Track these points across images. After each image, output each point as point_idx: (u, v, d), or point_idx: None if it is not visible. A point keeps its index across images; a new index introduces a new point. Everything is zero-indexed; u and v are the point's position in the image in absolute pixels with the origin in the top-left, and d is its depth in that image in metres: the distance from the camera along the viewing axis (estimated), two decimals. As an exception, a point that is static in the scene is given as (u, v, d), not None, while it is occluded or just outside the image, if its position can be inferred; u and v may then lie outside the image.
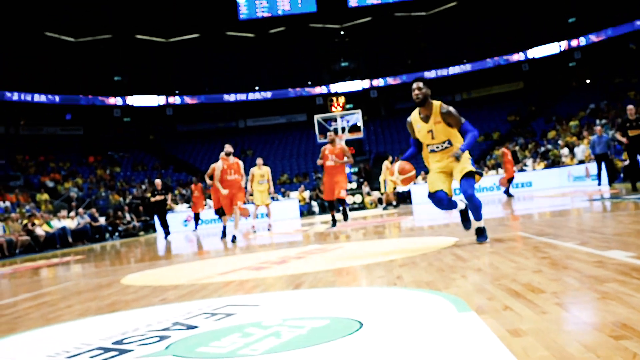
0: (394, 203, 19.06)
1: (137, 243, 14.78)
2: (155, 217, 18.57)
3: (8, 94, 30.27)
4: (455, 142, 5.68)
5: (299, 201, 23.50)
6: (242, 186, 11.05)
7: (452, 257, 4.40)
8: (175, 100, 36.22)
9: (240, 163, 11.13)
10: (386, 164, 17.95)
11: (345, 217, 10.87)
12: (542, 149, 25.29)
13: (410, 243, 6.13)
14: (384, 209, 19.01)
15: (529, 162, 23.65)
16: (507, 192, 17.08)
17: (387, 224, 10.58)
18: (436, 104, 5.66)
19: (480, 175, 5.65)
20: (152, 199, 15.70)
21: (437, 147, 5.73)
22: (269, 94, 36.14)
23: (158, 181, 16.12)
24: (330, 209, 11.23)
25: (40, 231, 16.62)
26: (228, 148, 10.92)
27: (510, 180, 16.98)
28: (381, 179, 19.28)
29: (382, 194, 20.31)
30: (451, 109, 5.65)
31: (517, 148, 24.57)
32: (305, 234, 10.77)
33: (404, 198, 22.26)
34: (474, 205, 5.53)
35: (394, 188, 18.25)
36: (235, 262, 5.97)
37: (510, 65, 35.49)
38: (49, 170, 28.46)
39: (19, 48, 31.89)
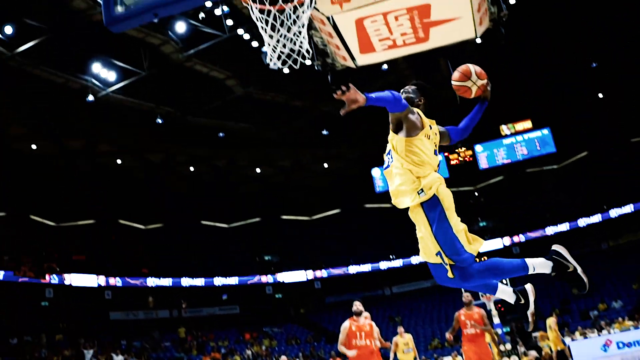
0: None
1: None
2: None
3: (174, 280, 32.78)
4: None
5: (453, 365, 23.46)
6: (375, 354, 8.82)
7: None
8: (322, 273, 37.71)
9: (375, 327, 9.01)
10: (549, 321, 16.67)
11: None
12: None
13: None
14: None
15: None
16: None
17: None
18: None
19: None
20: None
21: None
22: (412, 260, 36.90)
23: (284, 357, 16.52)
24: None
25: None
26: (357, 306, 8.99)
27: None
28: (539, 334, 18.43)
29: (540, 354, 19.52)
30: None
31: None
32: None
33: (564, 357, 21.50)
34: (490, 272, 4.18)
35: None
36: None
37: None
38: (209, 349, 30.11)
39: (181, 237, 34.98)
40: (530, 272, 4.19)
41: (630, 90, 32.62)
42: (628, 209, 34.51)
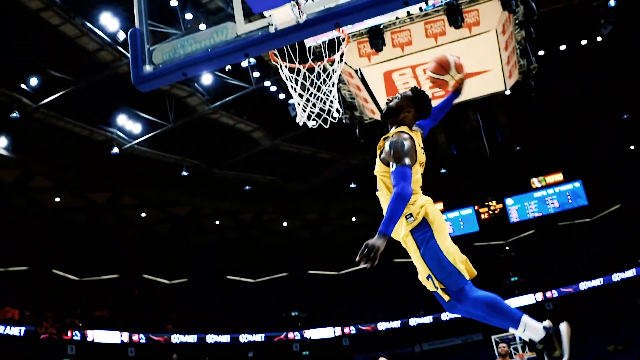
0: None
1: None
2: None
3: (199, 336, 32.26)
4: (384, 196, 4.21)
5: None
6: None
7: None
8: (350, 330, 36.97)
9: None
10: None
11: None
12: None
13: None
14: None
15: None
16: None
17: None
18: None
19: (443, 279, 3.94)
20: None
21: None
22: (442, 316, 36.07)
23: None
24: None
25: None
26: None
27: None
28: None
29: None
30: (394, 138, 4.04)
31: None
32: None
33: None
34: (486, 309, 3.93)
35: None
36: None
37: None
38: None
39: (206, 292, 34.56)
40: (519, 330, 3.89)
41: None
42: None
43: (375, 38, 12.75)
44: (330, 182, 33.88)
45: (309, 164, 31.91)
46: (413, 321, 37.03)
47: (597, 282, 34.59)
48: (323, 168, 32.56)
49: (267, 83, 23.36)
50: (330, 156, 31.45)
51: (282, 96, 23.39)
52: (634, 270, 34.51)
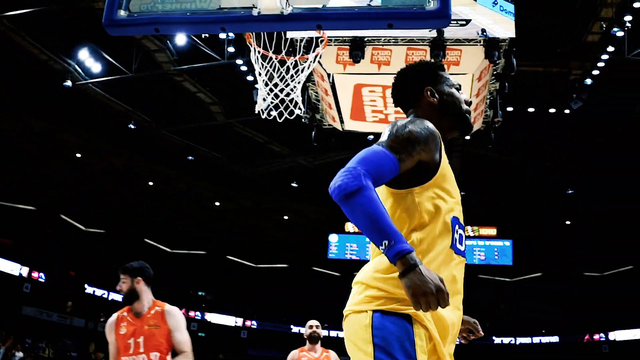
0: None
1: None
2: None
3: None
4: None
5: None
6: None
7: None
8: (252, 324, 36.87)
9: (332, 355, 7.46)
10: None
11: None
12: None
13: None
14: None
15: None
16: None
17: None
18: None
19: None
20: None
21: None
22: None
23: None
24: None
25: None
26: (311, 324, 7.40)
27: None
28: None
29: None
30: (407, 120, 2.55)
31: None
32: None
33: None
34: None
35: None
36: None
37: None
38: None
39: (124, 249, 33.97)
40: None
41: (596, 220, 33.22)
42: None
43: (356, 49, 12.70)
44: (274, 175, 33.65)
45: (258, 152, 31.59)
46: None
47: (507, 340, 35.65)
48: (271, 159, 32.30)
49: (239, 61, 23.00)
50: (280, 150, 31.21)
51: (250, 78, 23.08)
52: (533, 338, 35.71)
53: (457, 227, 2.62)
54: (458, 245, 2.64)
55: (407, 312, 2.34)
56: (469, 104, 2.82)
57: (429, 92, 2.76)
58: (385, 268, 2.41)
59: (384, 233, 2.16)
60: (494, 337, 36.41)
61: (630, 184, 28.18)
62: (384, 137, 2.46)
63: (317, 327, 6.49)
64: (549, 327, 37.06)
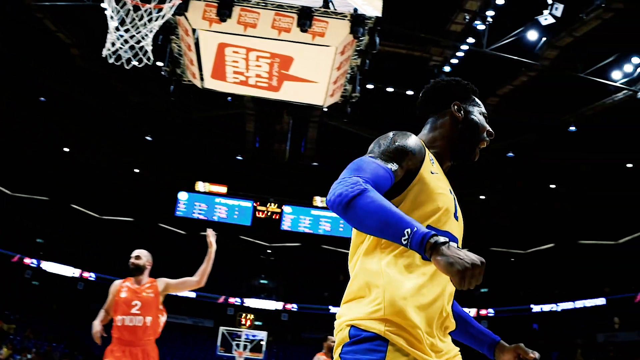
0: None
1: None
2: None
3: None
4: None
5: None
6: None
7: None
8: (90, 275, 35.81)
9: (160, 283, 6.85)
10: None
11: None
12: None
13: None
14: None
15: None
16: None
17: None
18: None
19: None
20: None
21: None
22: (191, 294, 36.03)
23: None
24: None
25: None
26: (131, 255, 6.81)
27: None
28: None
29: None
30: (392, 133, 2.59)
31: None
32: None
33: None
34: None
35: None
36: None
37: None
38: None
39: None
40: None
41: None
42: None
43: (224, 7, 12.54)
44: (129, 126, 32.64)
45: (115, 100, 30.52)
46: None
47: (333, 310, 36.53)
48: (126, 109, 31.27)
49: (104, 4, 22.05)
50: (137, 100, 30.26)
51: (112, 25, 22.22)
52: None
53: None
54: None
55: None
56: (490, 134, 2.79)
57: (456, 107, 2.77)
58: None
59: (402, 223, 2.06)
60: (330, 307, 37.45)
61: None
62: (372, 148, 2.49)
63: (135, 257, 6.58)
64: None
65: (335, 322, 2.41)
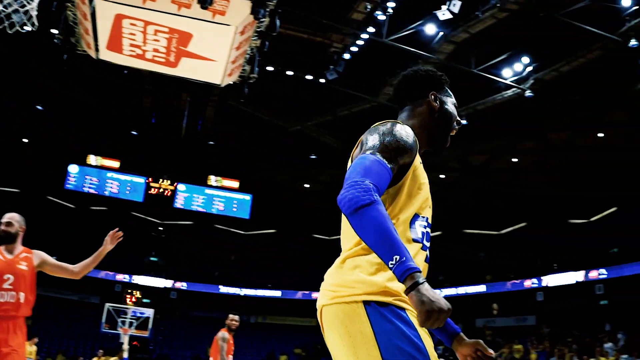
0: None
1: None
2: None
3: None
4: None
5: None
6: None
7: None
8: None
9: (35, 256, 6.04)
10: None
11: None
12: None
13: None
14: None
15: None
16: None
17: None
18: None
19: None
20: None
21: None
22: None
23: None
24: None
25: None
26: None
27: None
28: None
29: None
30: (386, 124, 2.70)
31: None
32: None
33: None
34: None
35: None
36: None
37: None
38: None
39: None
40: None
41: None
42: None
43: (123, -23, 12.30)
44: (19, 97, 31.24)
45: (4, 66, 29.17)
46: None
47: (230, 290, 36.88)
48: (17, 77, 29.93)
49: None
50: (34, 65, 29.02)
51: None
52: (257, 290, 37.26)
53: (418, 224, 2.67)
54: (425, 242, 2.69)
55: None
56: (459, 123, 2.97)
57: (433, 96, 2.90)
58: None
59: (395, 249, 2.23)
60: (220, 286, 37.52)
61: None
62: (374, 143, 2.57)
63: (7, 224, 5.81)
64: (274, 282, 38.94)
65: (332, 288, 2.60)
